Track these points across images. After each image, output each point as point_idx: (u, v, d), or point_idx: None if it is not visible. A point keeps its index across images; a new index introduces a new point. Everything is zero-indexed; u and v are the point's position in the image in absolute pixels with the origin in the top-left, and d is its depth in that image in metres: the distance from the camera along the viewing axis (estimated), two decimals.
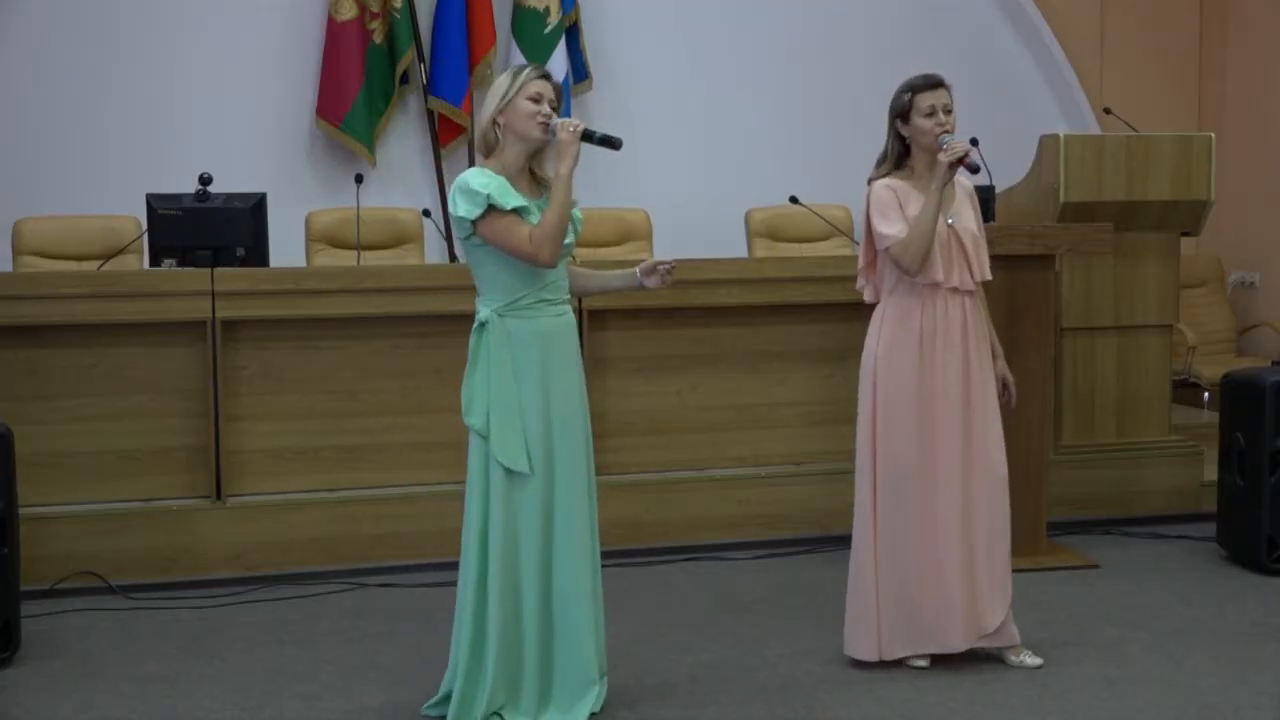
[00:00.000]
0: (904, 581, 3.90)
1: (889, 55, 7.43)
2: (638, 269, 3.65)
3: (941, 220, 3.87)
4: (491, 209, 3.32)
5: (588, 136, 3.43)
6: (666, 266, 3.62)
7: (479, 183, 3.33)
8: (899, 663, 3.93)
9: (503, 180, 3.37)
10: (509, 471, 3.38)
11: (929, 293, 3.88)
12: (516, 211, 3.34)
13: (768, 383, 5.44)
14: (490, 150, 3.44)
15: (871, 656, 3.91)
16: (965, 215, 3.94)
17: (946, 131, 3.85)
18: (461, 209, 3.33)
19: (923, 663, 3.92)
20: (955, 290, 3.89)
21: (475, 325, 3.42)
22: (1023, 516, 4.80)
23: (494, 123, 3.40)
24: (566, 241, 3.44)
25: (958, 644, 3.90)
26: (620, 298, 5.19)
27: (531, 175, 3.48)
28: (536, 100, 3.39)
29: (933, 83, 3.90)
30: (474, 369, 3.42)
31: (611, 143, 3.52)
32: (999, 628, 3.92)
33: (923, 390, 3.88)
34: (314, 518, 4.98)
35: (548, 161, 3.48)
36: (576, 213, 3.55)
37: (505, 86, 3.40)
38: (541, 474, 3.41)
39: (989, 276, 3.98)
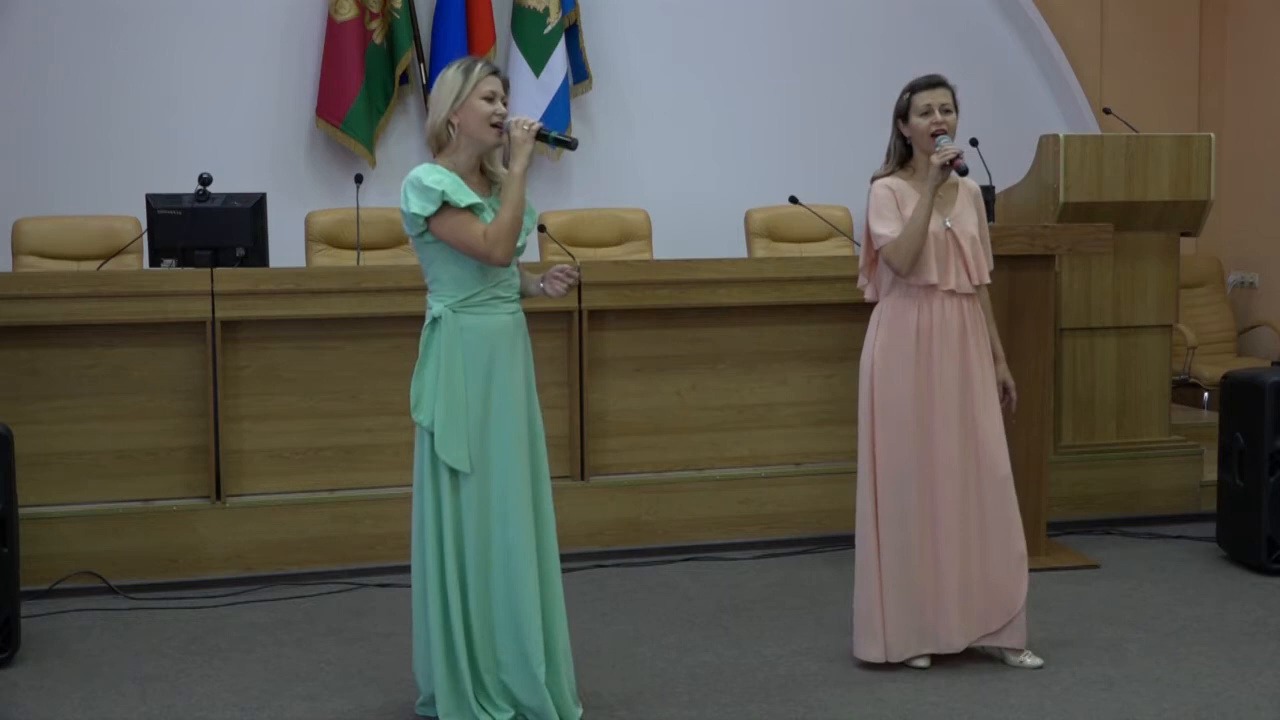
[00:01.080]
0: (907, 583, 3.90)
1: (889, 55, 7.45)
2: (540, 275, 3.62)
3: (939, 222, 3.87)
4: (445, 206, 3.31)
5: (543, 137, 3.42)
6: (568, 271, 3.59)
7: (432, 179, 3.32)
8: (900, 662, 3.93)
9: (455, 177, 3.37)
10: (448, 469, 3.39)
11: (925, 294, 3.89)
12: (470, 209, 3.34)
13: (768, 383, 5.43)
14: (441, 148, 3.42)
15: (878, 658, 3.92)
16: (966, 218, 3.94)
17: (943, 130, 3.84)
18: (415, 205, 3.32)
19: (923, 663, 3.92)
20: (952, 293, 3.89)
21: (428, 320, 3.42)
22: (1023, 517, 4.79)
23: (448, 122, 3.38)
24: (522, 242, 3.44)
25: (957, 644, 3.90)
26: (621, 298, 5.21)
27: (482, 172, 3.47)
28: (490, 99, 3.37)
29: (931, 82, 3.90)
30: (425, 364, 3.42)
31: (567, 143, 3.51)
32: (1004, 628, 3.92)
33: (919, 392, 3.88)
34: (314, 518, 4.98)
35: (498, 159, 3.47)
36: (529, 220, 3.51)
37: (459, 85, 3.36)
38: (479, 472, 3.41)
39: (988, 280, 3.97)
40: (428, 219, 3.32)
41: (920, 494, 3.88)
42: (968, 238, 3.90)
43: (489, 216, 3.37)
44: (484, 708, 3.44)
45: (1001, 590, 3.91)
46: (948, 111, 3.87)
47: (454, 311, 3.40)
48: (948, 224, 3.89)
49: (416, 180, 3.34)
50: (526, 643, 3.41)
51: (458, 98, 3.36)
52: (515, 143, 3.36)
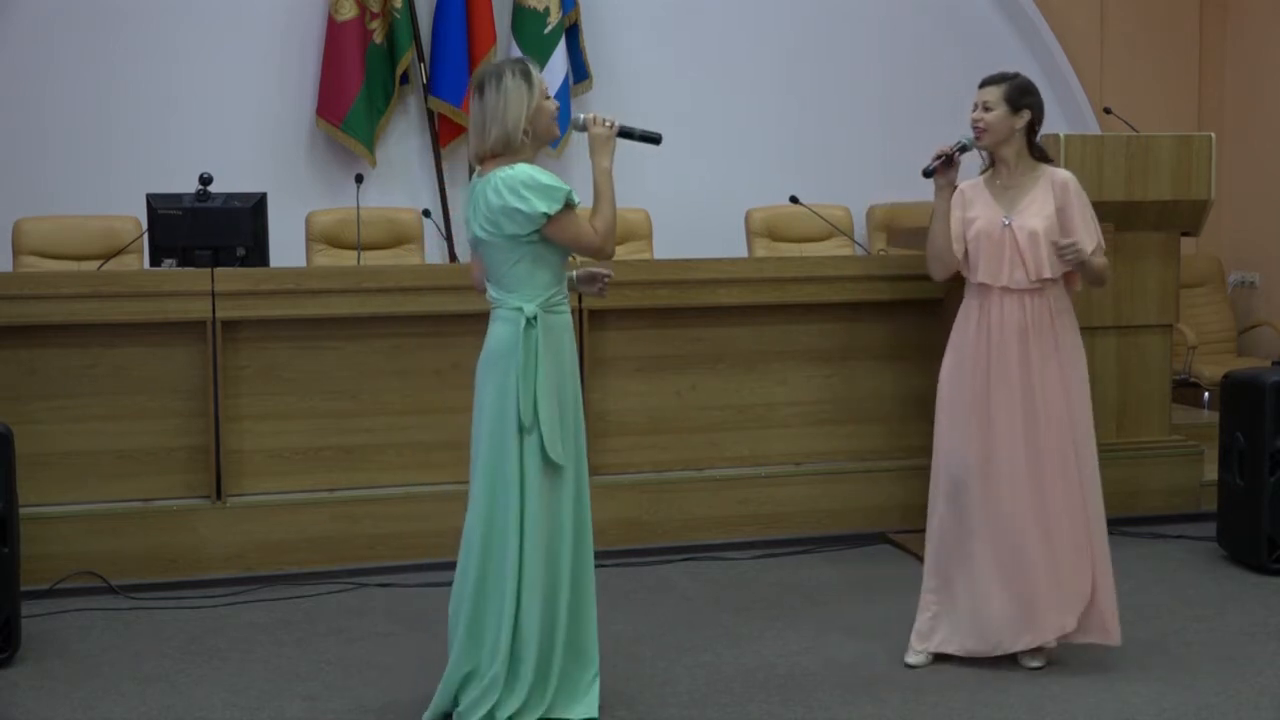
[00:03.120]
0: (951, 580, 3.92)
1: (889, 56, 7.46)
2: (575, 273, 3.65)
3: (997, 221, 3.90)
4: (568, 205, 3.35)
5: (627, 134, 3.48)
6: (605, 276, 3.64)
7: (549, 178, 3.35)
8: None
9: None
10: (548, 466, 3.39)
11: (984, 293, 3.93)
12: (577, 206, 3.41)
13: (768, 383, 5.43)
14: (503, 152, 3.40)
15: (909, 656, 3.97)
16: (1035, 212, 3.90)
17: (977, 129, 3.93)
18: (541, 205, 3.31)
19: (919, 660, 3.93)
20: (1008, 290, 3.89)
21: (523, 321, 3.37)
22: None
23: (525, 130, 3.39)
24: None
25: (1009, 645, 3.89)
26: (621, 297, 5.20)
27: None
28: (548, 97, 3.46)
29: (980, 82, 3.99)
30: (526, 363, 3.37)
31: (651, 138, 3.56)
32: (1071, 628, 3.90)
33: (976, 390, 3.90)
34: (314, 518, 4.98)
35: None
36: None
37: (527, 91, 3.39)
38: (572, 466, 3.45)
39: (1046, 275, 3.87)
40: (550, 217, 3.33)
41: (975, 494, 3.88)
42: (1027, 233, 3.88)
43: None
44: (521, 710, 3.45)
45: (1071, 593, 3.88)
46: (988, 109, 3.92)
47: (545, 311, 3.41)
48: (1006, 221, 3.90)
49: (532, 180, 3.33)
50: (590, 635, 3.51)
51: (531, 104, 3.39)
52: (598, 139, 3.44)
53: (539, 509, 3.39)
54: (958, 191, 3.99)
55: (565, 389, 3.46)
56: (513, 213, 3.33)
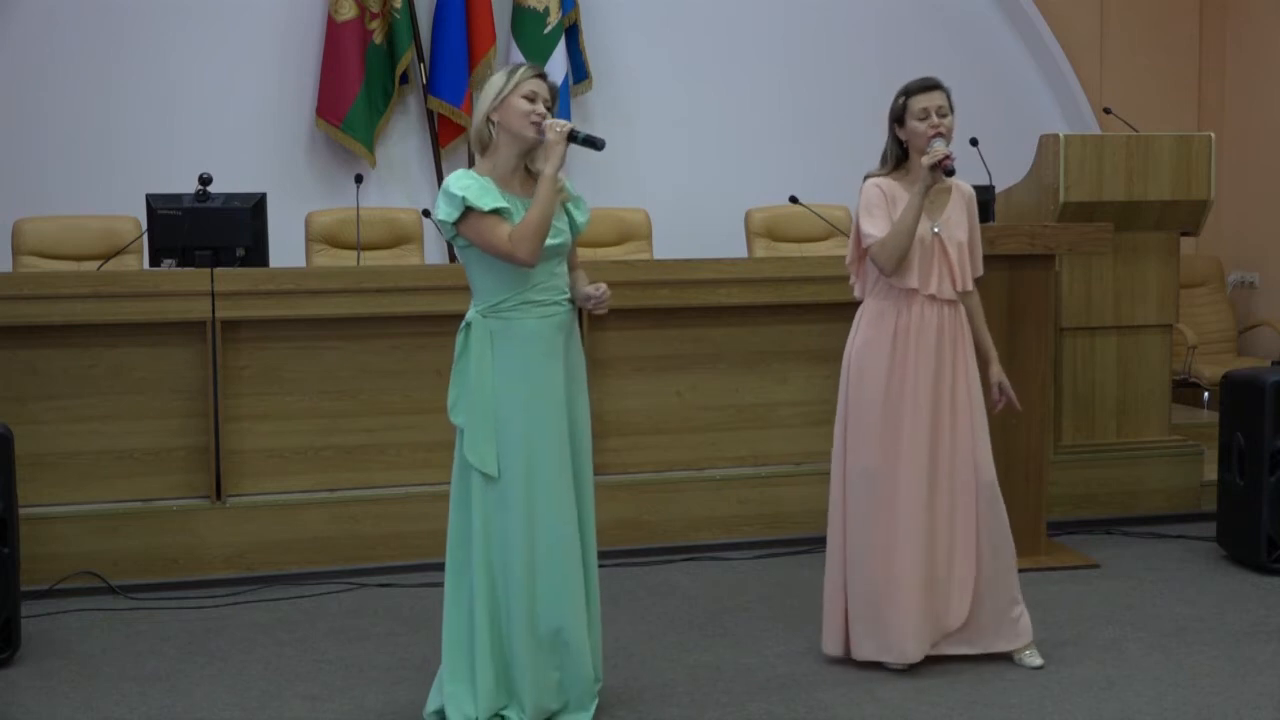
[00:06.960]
0: (869, 585, 3.87)
1: (889, 55, 7.45)
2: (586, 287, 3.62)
3: (927, 227, 3.85)
4: (469, 210, 3.33)
5: (572, 137, 3.43)
6: (598, 297, 3.55)
7: (458, 185, 3.35)
8: (879, 664, 3.92)
9: (486, 181, 3.37)
10: (478, 472, 3.39)
11: (906, 297, 3.86)
12: (497, 212, 3.34)
13: (768, 383, 5.44)
14: (485, 148, 3.44)
15: (838, 653, 3.94)
16: (957, 223, 3.91)
17: (940, 134, 3.81)
18: (441, 212, 3.35)
19: (899, 666, 3.90)
20: (933, 298, 3.86)
21: (462, 325, 3.44)
22: (1023, 516, 4.80)
23: (488, 120, 3.40)
24: (558, 241, 3.42)
25: (913, 654, 3.87)
26: (621, 298, 5.18)
27: (526, 173, 3.47)
28: (531, 99, 3.39)
29: (926, 85, 3.87)
30: (458, 367, 3.44)
31: (594, 143, 3.52)
32: (990, 631, 3.90)
33: (890, 394, 3.85)
34: (314, 518, 4.98)
35: (540, 159, 3.46)
36: (581, 215, 3.54)
37: (500, 84, 3.40)
38: (522, 477, 3.39)
39: (970, 287, 3.95)
40: (455, 224, 3.34)
41: (884, 496, 3.85)
42: (955, 244, 3.88)
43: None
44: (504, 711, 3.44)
45: (964, 593, 3.87)
46: (944, 114, 3.84)
47: (484, 317, 3.40)
48: (936, 229, 3.86)
49: (445, 186, 3.37)
50: (576, 656, 3.45)
51: (499, 95, 3.39)
52: (548, 144, 3.39)
53: (479, 515, 3.41)
54: (883, 191, 3.87)
55: (504, 397, 3.39)
56: (436, 221, 3.41)
